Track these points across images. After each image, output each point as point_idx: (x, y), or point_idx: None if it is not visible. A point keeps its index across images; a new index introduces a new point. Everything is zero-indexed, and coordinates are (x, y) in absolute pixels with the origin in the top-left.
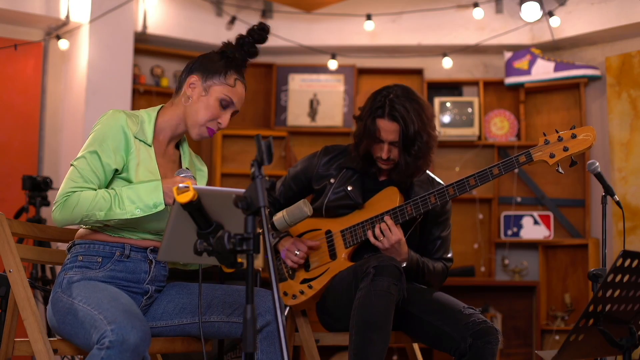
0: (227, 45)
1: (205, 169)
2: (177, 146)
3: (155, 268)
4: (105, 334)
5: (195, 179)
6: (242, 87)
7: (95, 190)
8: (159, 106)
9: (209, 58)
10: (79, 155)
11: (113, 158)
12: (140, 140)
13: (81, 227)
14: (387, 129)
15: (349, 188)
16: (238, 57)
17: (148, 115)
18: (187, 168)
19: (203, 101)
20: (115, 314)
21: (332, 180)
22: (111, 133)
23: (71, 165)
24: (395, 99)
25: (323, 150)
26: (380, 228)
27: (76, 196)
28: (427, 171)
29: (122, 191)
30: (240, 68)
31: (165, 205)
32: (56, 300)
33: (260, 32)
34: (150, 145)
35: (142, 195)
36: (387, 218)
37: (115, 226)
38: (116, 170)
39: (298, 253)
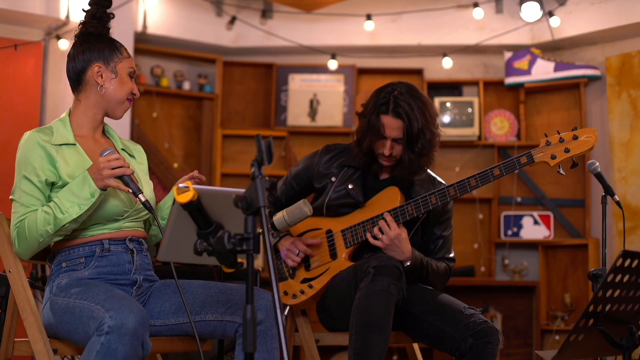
0: (85, 25)
1: (139, 146)
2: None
3: (137, 256)
4: (104, 321)
5: (118, 152)
6: (126, 51)
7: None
8: (67, 110)
9: (93, 45)
10: (13, 188)
11: (42, 174)
12: (61, 145)
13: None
14: (391, 125)
15: (350, 186)
16: (96, 31)
17: (61, 121)
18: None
19: (116, 82)
20: (112, 302)
21: (333, 179)
22: (30, 153)
23: (11, 200)
24: (400, 96)
25: (324, 148)
26: (379, 226)
27: (24, 224)
28: (429, 170)
29: (59, 196)
30: (109, 39)
31: (101, 189)
32: (52, 304)
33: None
34: (74, 144)
35: (76, 191)
36: (386, 214)
37: (83, 228)
38: (53, 183)
39: (298, 253)
